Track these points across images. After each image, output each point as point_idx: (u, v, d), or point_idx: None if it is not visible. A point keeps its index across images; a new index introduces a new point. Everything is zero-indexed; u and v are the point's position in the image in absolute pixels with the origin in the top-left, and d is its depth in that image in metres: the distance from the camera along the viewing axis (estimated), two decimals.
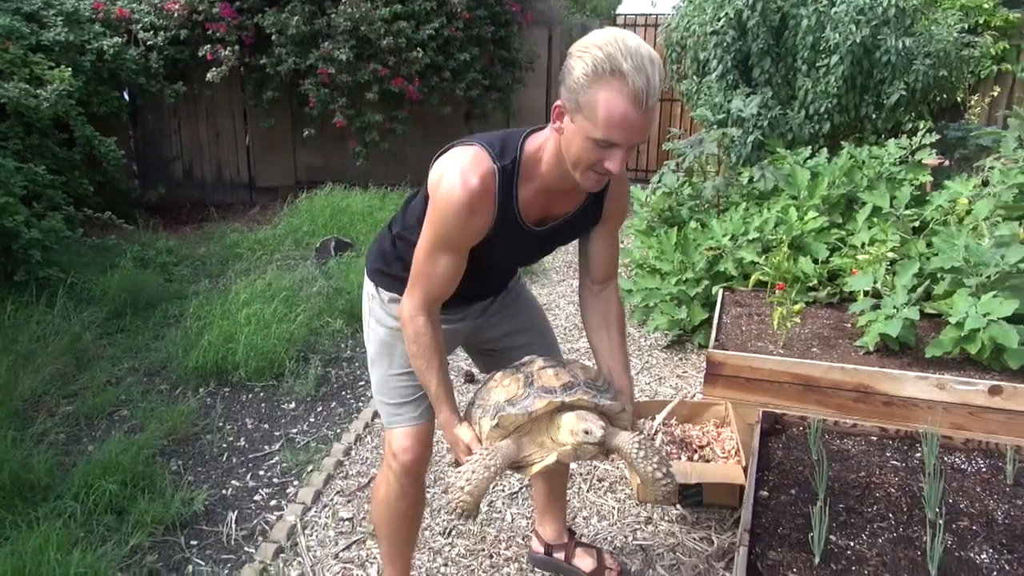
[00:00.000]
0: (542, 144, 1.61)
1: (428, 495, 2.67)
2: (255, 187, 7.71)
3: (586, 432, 1.52)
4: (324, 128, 6.82)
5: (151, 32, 6.27)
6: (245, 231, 5.94)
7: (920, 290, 3.04)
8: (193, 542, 2.45)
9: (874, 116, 5.18)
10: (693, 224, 4.39)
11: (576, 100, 1.44)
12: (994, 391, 2.63)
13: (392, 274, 1.85)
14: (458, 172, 1.55)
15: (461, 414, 1.72)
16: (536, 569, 2.33)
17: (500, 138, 1.63)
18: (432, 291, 1.65)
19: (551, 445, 1.59)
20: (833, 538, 1.89)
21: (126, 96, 6.69)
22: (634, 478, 1.70)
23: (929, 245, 3.45)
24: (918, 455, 2.29)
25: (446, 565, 2.34)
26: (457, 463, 1.65)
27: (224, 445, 3.04)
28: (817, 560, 1.79)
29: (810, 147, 4.83)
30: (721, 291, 3.73)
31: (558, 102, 1.50)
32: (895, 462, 2.25)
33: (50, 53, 5.43)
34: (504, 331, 2.01)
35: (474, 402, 1.72)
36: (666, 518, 2.56)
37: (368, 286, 1.92)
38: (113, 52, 5.94)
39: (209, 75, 6.27)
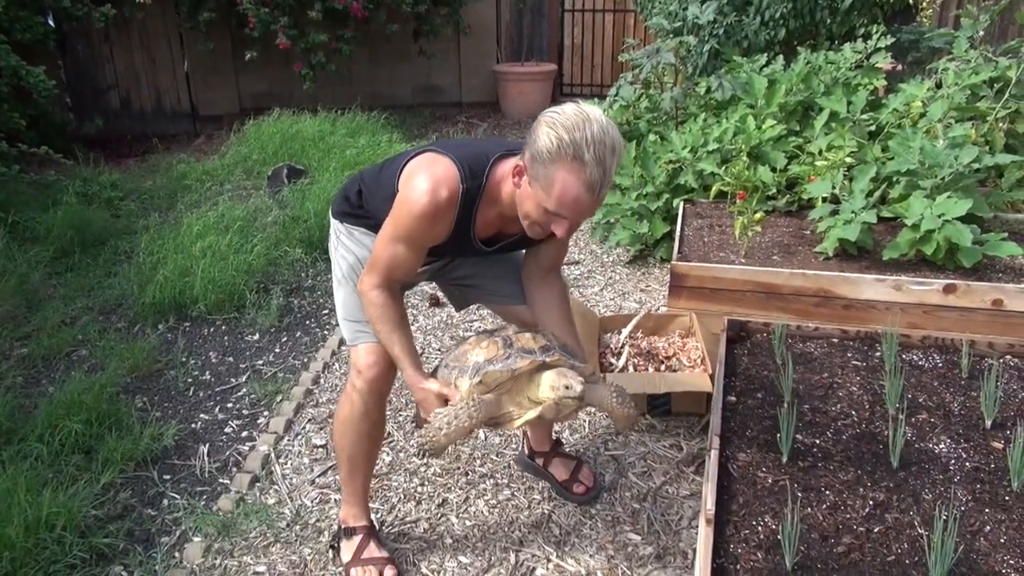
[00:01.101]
0: (506, 174, 1.69)
1: (399, 420, 2.69)
2: (198, 116, 7.42)
3: (567, 387, 1.61)
4: (267, 51, 6.53)
5: None
6: (192, 162, 5.73)
7: (877, 194, 3.08)
8: (166, 476, 2.44)
9: (829, 20, 5.14)
10: (652, 137, 4.36)
11: (536, 170, 1.55)
12: (949, 289, 2.70)
13: (357, 215, 1.92)
14: (430, 180, 1.65)
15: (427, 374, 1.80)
16: (512, 480, 2.37)
17: (472, 155, 1.71)
18: (390, 275, 1.75)
19: (528, 404, 1.68)
20: (800, 437, 1.95)
21: (51, 22, 6.31)
22: (612, 420, 1.85)
23: (885, 149, 3.48)
24: (878, 354, 2.36)
25: (423, 485, 2.38)
26: (421, 422, 1.72)
27: (189, 380, 3.00)
28: (785, 459, 1.85)
29: (766, 54, 4.79)
30: (682, 204, 3.73)
31: (520, 161, 1.61)
32: (856, 362, 2.32)
33: None
34: (475, 271, 2.08)
35: (445, 363, 1.79)
36: (636, 428, 2.62)
37: (335, 226, 1.98)
38: None
39: None
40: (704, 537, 1.60)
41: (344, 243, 1.94)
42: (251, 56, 6.47)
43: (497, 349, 1.70)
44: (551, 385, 1.63)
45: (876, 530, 1.61)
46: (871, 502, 1.70)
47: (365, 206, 1.89)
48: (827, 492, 1.74)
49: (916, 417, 2.01)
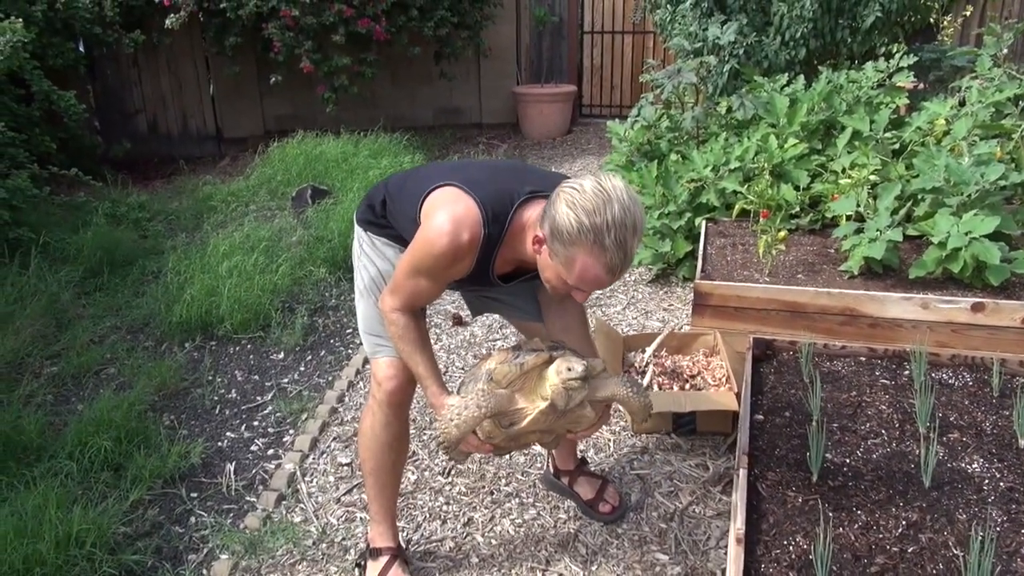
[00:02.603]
0: (530, 223, 1.67)
1: (424, 439, 2.69)
2: (223, 138, 7.53)
3: (568, 369, 1.60)
4: (291, 74, 6.63)
5: None
6: (217, 183, 5.81)
7: (902, 212, 3.06)
8: (193, 494, 2.46)
9: (849, 40, 5.13)
10: (673, 157, 4.36)
11: (556, 248, 1.54)
12: (977, 308, 2.68)
13: (381, 224, 1.92)
14: (452, 222, 1.62)
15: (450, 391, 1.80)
16: (538, 500, 2.37)
17: (496, 196, 1.67)
18: (412, 302, 1.76)
19: (541, 403, 1.66)
20: (829, 456, 1.93)
21: (81, 48, 6.45)
22: (628, 413, 1.83)
23: (909, 167, 3.46)
24: (906, 373, 2.33)
25: (447, 504, 2.37)
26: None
27: (216, 398, 3.02)
28: (815, 478, 1.84)
29: (787, 74, 4.79)
30: (704, 222, 3.74)
31: (539, 233, 1.59)
32: (885, 380, 2.30)
33: None
34: (504, 292, 2.05)
35: (463, 382, 1.79)
36: (661, 447, 2.61)
37: (359, 234, 1.98)
38: (64, 0, 5.69)
39: (168, 22, 6.04)
40: (735, 557, 1.59)
41: (367, 253, 1.94)
42: (276, 80, 6.57)
43: (507, 354, 1.70)
44: (556, 370, 1.62)
45: (910, 550, 1.59)
46: (904, 522, 1.68)
47: (388, 217, 1.89)
48: (858, 512, 1.72)
49: (947, 436, 1.99)
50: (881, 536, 1.64)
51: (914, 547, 1.60)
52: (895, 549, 1.60)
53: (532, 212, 1.67)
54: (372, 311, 1.91)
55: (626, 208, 1.49)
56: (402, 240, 1.84)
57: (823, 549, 1.50)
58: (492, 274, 1.76)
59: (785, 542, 1.64)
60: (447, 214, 1.64)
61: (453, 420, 1.61)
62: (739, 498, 1.74)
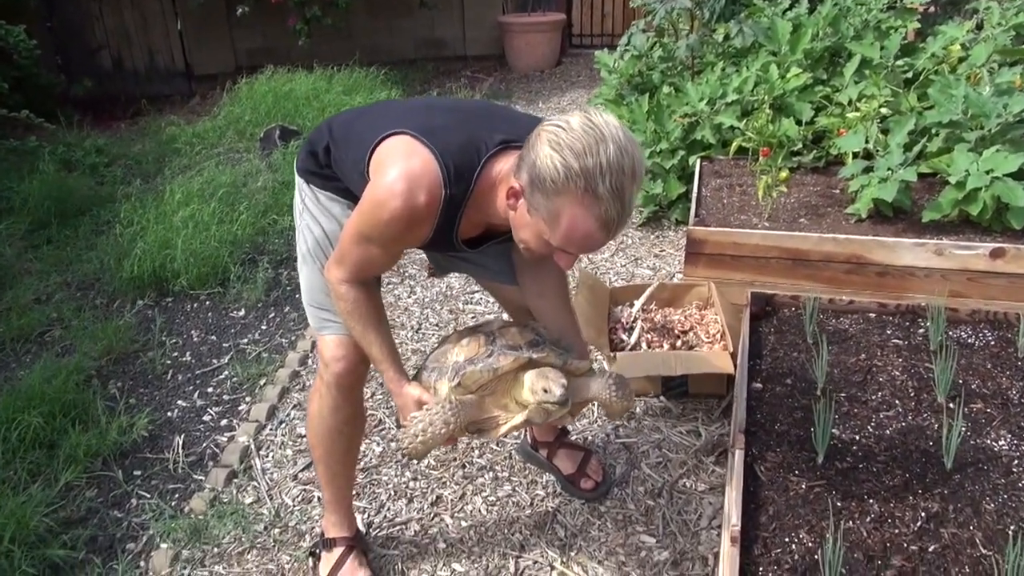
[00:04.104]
0: (501, 177, 1.39)
1: (392, 407, 2.46)
2: (193, 75, 7.12)
3: (545, 391, 1.39)
4: (260, 5, 6.22)
5: None
6: (182, 124, 5.46)
7: (916, 148, 2.78)
8: (136, 472, 2.24)
9: None
10: (666, 89, 4.04)
11: (536, 200, 1.26)
12: (996, 254, 2.44)
13: (326, 176, 1.62)
14: (405, 180, 1.34)
15: (409, 377, 1.56)
16: (514, 474, 2.16)
17: (459, 148, 1.38)
18: (361, 272, 1.50)
19: (515, 407, 1.46)
20: (836, 432, 1.71)
21: None
22: (606, 412, 1.62)
23: (922, 98, 3.16)
24: (921, 331, 2.10)
25: (415, 479, 2.16)
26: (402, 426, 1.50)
27: (168, 362, 2.78)
28: (821, 459, 1.62)
29: None
30: (699, 161, 3.46)
31: (515, 184, 1.30)
32: (897, 340, 2.07)
33: None
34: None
35: (425, 367, 1.56)
36: (650, 412, 2.39)
37: (300, 187, 1.68)
38: None
39: None
40: (728, 558, 1.38)
41: (310, 210, 1.65)
42: (243, 11, 6.17)
43: (479, 347, 1.47)
44: (530, 388, 1.41)
45: (931, 549, 1.38)
46: (923, 513, 1.46)
47: (334, 166, 1.59)
48: (871, 501, 1.50)
49: (970, 407, 1.76)
50: (897, 532, 1.42)
51: (935, 545, 1.39)
52: (914, 548, 1.38)
53: (504, 166, 1.38)
54: (317, 279, 1.64)
55: (623, 148, 1.21)
56: (351, 194, 1.56)
57: (833, 555, 1.28)
58: (456, 240, 1.48)
59: (787, 539, 1.43)
60: (399, 171, 1.35)
61: (418, 436, 1.40)
62: (734, 486, 1.52)
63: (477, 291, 3.17)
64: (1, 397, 2.36)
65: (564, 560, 1.87)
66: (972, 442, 1.65)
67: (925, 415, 1.74)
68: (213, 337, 2.95)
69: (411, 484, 2.15)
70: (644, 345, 2.53)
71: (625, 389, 1.51)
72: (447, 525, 2.00)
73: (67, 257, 3.49)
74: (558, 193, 1.23)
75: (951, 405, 1.76)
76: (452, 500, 2.08)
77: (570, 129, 1.22)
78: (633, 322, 2.63)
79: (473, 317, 3.01)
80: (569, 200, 1.23)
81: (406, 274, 3.39)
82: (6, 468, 2.12)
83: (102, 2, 6.72)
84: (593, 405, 2.41)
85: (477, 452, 2.26)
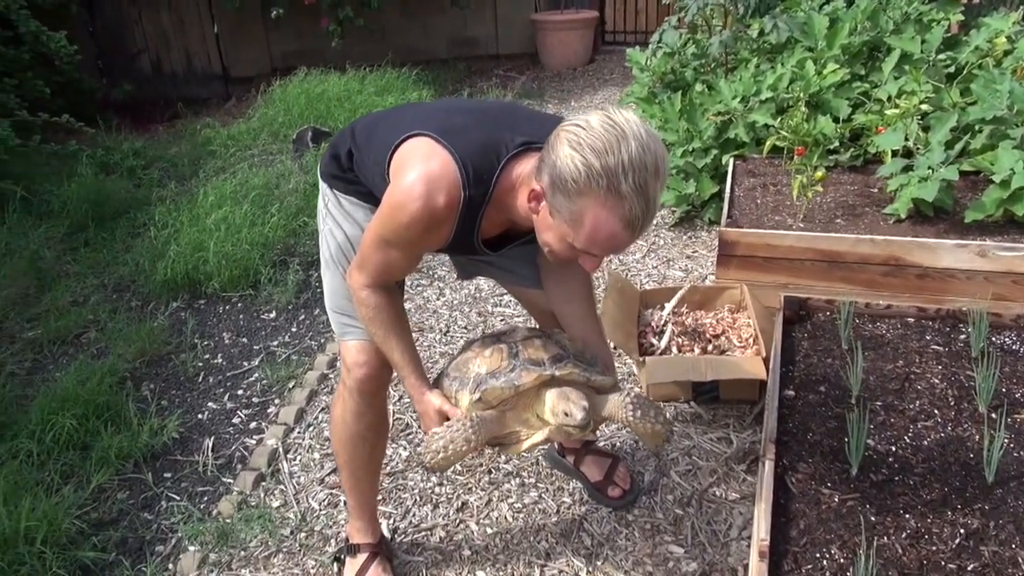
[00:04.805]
0: (522, 179, 1.36)
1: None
2: (229, 78, 7.21)
3: (566, 414, 1.37)
4: (294, 7, 6.27)
5: None
6: (218, 126, 5.52)
7: (958, 146, 2.69)
8: (167, 474, 2.26)
9: None
10: (699, 87, 3.97)
11: (558, 202, 1.24)
12: None
13: (349, 180, 1.61)
14: (424, 182, 1.33)
15: (431, 381, 1.55)
16: (540, 480, 2.13)
17: (479, 149, 1.37)
18: (383, 277, 1.48)
19: (536, 423, 1.44)
20: (871, 442, 1.65)
21: None
22: (637, 435, 1.59)
23: (965, 93, 3.06)
24: (962, 337, 2.03)
25: (441, 485, 2.15)
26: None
27: (199, 364, 2.81)
28: (855, 471, 1.57)
29: None
30: (732, 160, 3.39)
31: (536, 186, 1.28)
32: (937, 347, 2.00)
33: None
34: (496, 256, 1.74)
35: (447, 373, 1.55)
36: (680, 418, 2.34)
37: (324, 191, 1.68)
38: None
39: None
40: (757, 573, 1.34)
41: (333, 215, 1.64)
42: (277, 13, 6.21)
43: (501, 359, 1.44)
44: (551, 409, 1.38)
45: (970, 567, 1.33)
46: (962, 530, 1.41)
47: (356, 170, 1.59)
48: (907, 516, 1.45)
49: (1013, 417, 1.69)
50: (934, 548, 1.37)
51: (975, 563, 1.33)
52: (952, 566, 1.33)
53: (525, 167, 1.36)
54: (340, 285, 1.63)
55: (644, 146, 1.18)
56: (373, 198, 1.55)
57: (866, 571, 1.24)
58: (477, 242, 1.47)
59: (818, 554, 1.38)
60: (418, 173, 1.34)
61: (440, 453, 1.39)
62: (763, 498, 1.48)
63: (506, 294, 3.14)
64: (37, 399, 2.41)
65: (590, 569, 1.84)
66: (1016, 454, 1.58)
67: (965, 425, 1.68)
68: (244, 339, 2.97)
69: (437, 490, 2.14)
70: (675, 349, 2.49)
71: (650, 411, 1.46)
72: (472, 531, 1.98)
73: (103, 259, 3.55)
74: (580, 194, 1.20)
75: (993, 415, 1.69)
76: (478, 506, 2.07)
77: (590, 128, 1.19)
78: (663, 325, 2.58)
79: (502, 319, 2.99)
80: (592, 200, 1.20)
81: (435, 276, 3.39)
82: (40, 470, 2.16)
83: (141, 7, 6.83)
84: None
85: (504, 458, 2.23)
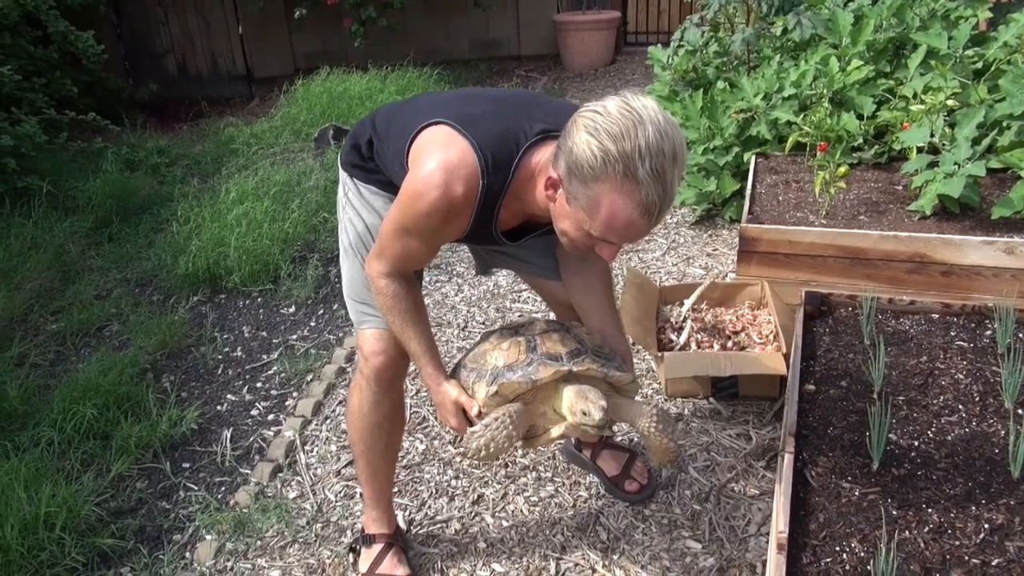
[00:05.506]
0: (540, 168, 1.36)
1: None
2: (253, 78, 7.27)
3: (584, 413, 1.36)
4: (318, 8, 6.32)
5: None
6: (240, 125, 5.58)
7: (985, 142, 2.65)
8: (185, 464, 2.28)
9: None
10: (721, 85, 3.94)
11: (575, 188, 1.23)
12: None
13: (369, 169, 1.62)
14: (443, 171, 1.33)
15: (448, 371, 1.57)
16: (557, 474, 2.12)
17: (498, 138, 1.36)
18: (401, 266, 1.49)
19: (554, 416, 1.44)
20: (893, 437, 1.62)
21: None
22: (647, 449, 1.57)
23: (993, 90, 3.01)
24: (988, 333, 1.99)
25: (457, 478, 2.14)
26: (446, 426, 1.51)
27: (219, 356, 2.83)
28: (876, 465, 1.54)
29: None
30: (754, 158, 3.36)
31: (553, 173, 1.28)
32: (962, 343, 1.96)
33: None
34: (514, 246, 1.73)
35: (464, 364, 1.55)
36: (699, 414, 2.32)
37: (344, 180, 1.69)
38: None
39: None
40: (775, 566, 1.31)
41: (352, 203, 1.65)
42: (300, 14, 6.27)
43: (519, 352, 1.44)
44: (569, 408, 1.38)
45: (995, 563, 1.29)
46: (986, 525, 1.37)
47: (376, 159, 1.59)
48: (929, 510, 1.42)
49: None
50: (957, 543, 1.34)
51: (1000, 559, 1.30)
52: (975, 561, 1.30)
53: (544, 156, 1.35)
54: (358, 273, 1.63)
55: (662, 131, 1.16)
56: (393, 187, 1.55)
57: (886, 565, 1.21)
58: (496, 232, 1.46)
59: (838, 548, 1.36)
60: (437, 161, 1.34)
61: (481, 451, 1.40)
62: (782, 491, 1.46)
63: (524, 289, 3.14)
64: (59, 389, 2.43)
65: (606, 563, 1.83)
66: None
67: (991, 421, 1.65)
68: (263, 333, 2.99)
69: (453, 482, 2.13)
70: (694, 345, 2.47)
71: (668, 424, 1.46)
72: (488, 524, 1.98)
73: (127, 254, 3.59)
74: (596, 180, 1.19)
75: (1020, 411, 1.66)
76: (494, 499, 2.06)
77: (607, 113, 1.18)
78: (683, 322, 2.56)
79: (520, 315, 2.98)
80: (608, 186, 1.19)
81: (454, 272, 3.39)
82: (61, 458, 2.18)
83: (168, 8, 6.92)
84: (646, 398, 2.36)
85: (520, 451, 2.22)
